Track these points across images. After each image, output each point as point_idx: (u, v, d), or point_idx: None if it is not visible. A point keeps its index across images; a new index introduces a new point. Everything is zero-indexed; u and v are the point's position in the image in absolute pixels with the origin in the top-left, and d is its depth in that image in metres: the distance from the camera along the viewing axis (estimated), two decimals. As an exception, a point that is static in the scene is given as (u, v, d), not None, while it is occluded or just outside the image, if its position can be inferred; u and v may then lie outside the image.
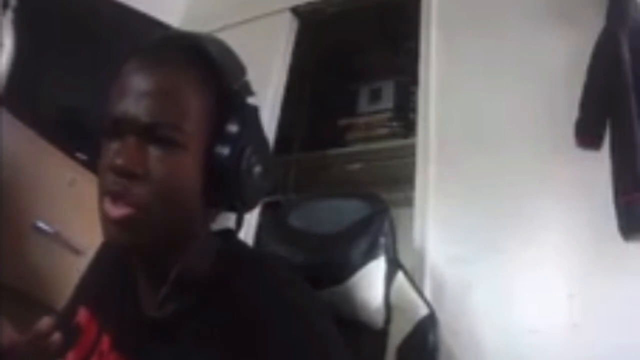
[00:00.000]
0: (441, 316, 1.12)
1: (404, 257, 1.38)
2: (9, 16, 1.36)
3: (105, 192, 0.64)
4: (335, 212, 1.00)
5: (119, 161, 0.62)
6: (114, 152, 0.64)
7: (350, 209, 0.99)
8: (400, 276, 0.98)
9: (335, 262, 0.92)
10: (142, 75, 0.66)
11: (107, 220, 0.64)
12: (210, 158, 0.66)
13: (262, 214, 1.11)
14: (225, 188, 0.67)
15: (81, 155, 1.42)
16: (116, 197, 0.63)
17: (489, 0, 1.59)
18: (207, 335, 0.65)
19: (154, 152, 0.64)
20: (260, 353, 0.63)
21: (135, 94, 0.64)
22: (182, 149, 0.65)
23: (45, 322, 0.61)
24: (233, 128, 0.67)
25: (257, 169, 0.69)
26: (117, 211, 0.62)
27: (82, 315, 0.77)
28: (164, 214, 0.64)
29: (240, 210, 0.71)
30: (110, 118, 0.65)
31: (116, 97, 0.65)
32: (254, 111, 0.71)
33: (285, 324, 0.64)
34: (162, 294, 0.67)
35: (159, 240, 0.65)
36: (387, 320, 0.93)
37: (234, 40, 0.73)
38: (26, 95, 1.41)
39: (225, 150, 0.66)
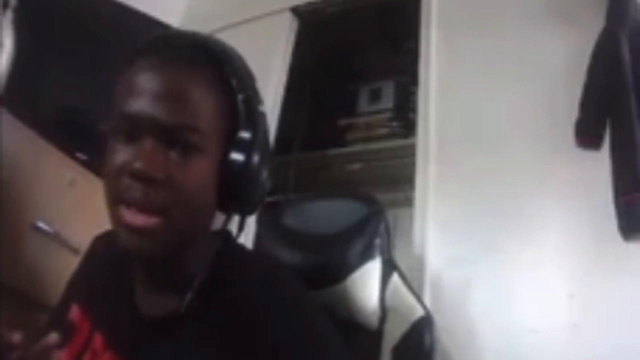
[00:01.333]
0: (441, 316, 1.12)
1: (404, 257, 1.39)
2: (9, 16, 1.36)
3: (121, 198, 0.62)
4: (331, 213, 1.00)
5: (138, 165, 0.60)
6: (131, 155, 0.61)
7: (346, 210, 0.99)
8: (395, 277, 0.98)
9: (331, 262, 0.92)
10: (158, 74, 0.64)
11: (126, 228, 0.62)
12: (226, 164, 0.66)
13: (259, 214, 1.11)
14: (237, 194, 0.67)
15: (81, 155, 1.42)
16: (136, 204, 0.61)
17: (489, 0, 1.59)
18: (207, 336, 0.65)
19: (173, 155, 0.62)
20: (260, 353, 0.63)
21: (152, 94, 0.62)
22: (200, 152, 0.63)
23: (54, 337, 0.60)
24: (247, 134, 0.67)
25: (264, 175, 0.69)
26: (139, 220, 0.61)
27: (75, 312, 0.76)
28: (184, 220, 0.63)
29: (245, 214, 0.71)
30: (121, 117, 0.63)
31: (127, 95, 0.63)
32: (263, 117, 0.71)
33: (285, 324, 0.64)
34: (186, 303, 0.65)
35: (176, 246, 0.65)
36: (382, 320, 0.93)
37: (234, 40, 0.73)
38: (26, 95, 1.41)
39: (240, 158, 0.66)
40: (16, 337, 0.58)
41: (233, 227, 0.77)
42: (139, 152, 0.61)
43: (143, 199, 0.61)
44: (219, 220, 0.73)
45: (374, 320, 0.93)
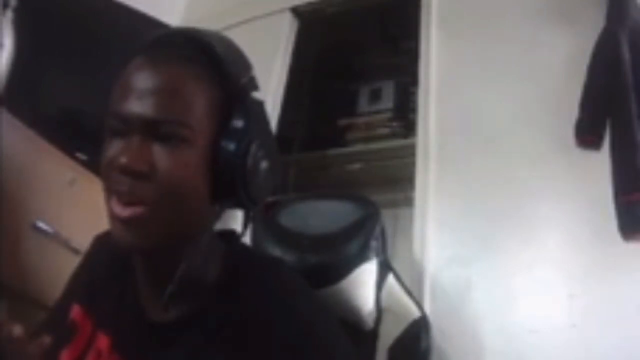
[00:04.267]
0: (440, 316, 1.13)
1: (404, 257, 1.39)
2: (9, 16, 1.36)
3: (112, 192, 0.63)
4: (327, 214, 1.00)
5: (123, 160, 0.61)
6: (119, 151, 0.63)
7: (342, 211, 0.99)
8: (391, 279, 0.98)
9: (328, 263, 0.92)
10: (146, 72, 0.65)
11: (115, 220, 0.63)
12: (217, 154, 0.66)
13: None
14: (232, 184, 0.66)
15: (81, 155, 1.42)
16: (123, 196, 0.62)
17: (489, 0, 1.59)
18: (212, 341, 0.65)
19: (159, 149, 0.63)
20: (265, 356, 0.63)
21: (140, 91, 0.63)
22: (188, 145, 0.64)
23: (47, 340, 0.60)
24: (239, 123, 0.66)
25: (264, 165, 0.68)
26: (126, 211, 0.62)
27: (76, 312, 0.76)
28: (171, 211, 0.63)
29: (248, 208, 0.71)
30: (114, 116, 0.64)
31: (120, 95, 0.64)
32: (260, 106, 0.70)
33: (288, 331, 0.64)
34: (167, 293, 0.66)
35: (167, 239, 0.65)
36: (378, 321, 0.94)
37: (234, 40, 0.73)
38: (26, 95, 1.41)
39: (231, 146, 0.66)
40: (17, 329, 0.58)
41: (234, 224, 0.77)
42: (126, 147, 0.63)
43: (130, 192, 0.62)
44: (227, 219, 0.73)
45: (369, 321, 0.93)
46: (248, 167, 0.66)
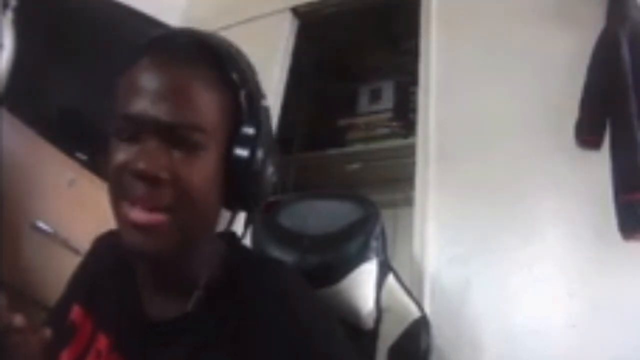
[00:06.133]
0: (440, 315, 1.13)
1: (404, 257, 1.39)
2: (9, 16, 1.36)
3: (125, 197, 0.62)
4: (327, 213, 1.00)
5: (141, 165, 0.59)
6: (134, 155, 0.61)
7: (342, 211, 0.99)
8: (391, 278, 0.98)
9: (328, 263, 0.92)
10: (158, 74, 0.63)
11: (131, 227, 0.61)
12: (229, 159, 0.66)
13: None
14: (242, 189, 0.66)
15: (81, 155, 1.42)
16: (142, 202, 0.61)
17: (489, 0, 1.59)
18: (212, 342, 0.66)
19: (176, 154, 0.62)
20: (266, 356, 0.64)
21: (153, 93, 0.62)
22: (203, 150, 0.63)
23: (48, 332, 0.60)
24: (250, 130, 0.67)
25: (270, 169, 0.69)
26: (144, 217, 0.60)
27: (76, 312, 0.76)
28: (189, 218, 0.63)
29: (252, 211, 0.71)
30: (123, 117, 0.63)
31: (129, 95, 0.63)
32: (267, 112, 0.71)
33: (288, 331, 0.64)
34: (193, 299, 0.65)
35: (182, 244, 0.64)
36: (378, 321, 0.94)
37: (234, 41, 0.73)
38: (26, 95, 1.41)
39: (244, 152, 0.66)
40: (18, 319, 0.58)
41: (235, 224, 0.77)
42: (142, 152, 0.61)
43: (147, 197, 0.61)
44: (224, 218, 0.73)
45: (369, 321, 0.93)
46: (257, 174, 0.66)
